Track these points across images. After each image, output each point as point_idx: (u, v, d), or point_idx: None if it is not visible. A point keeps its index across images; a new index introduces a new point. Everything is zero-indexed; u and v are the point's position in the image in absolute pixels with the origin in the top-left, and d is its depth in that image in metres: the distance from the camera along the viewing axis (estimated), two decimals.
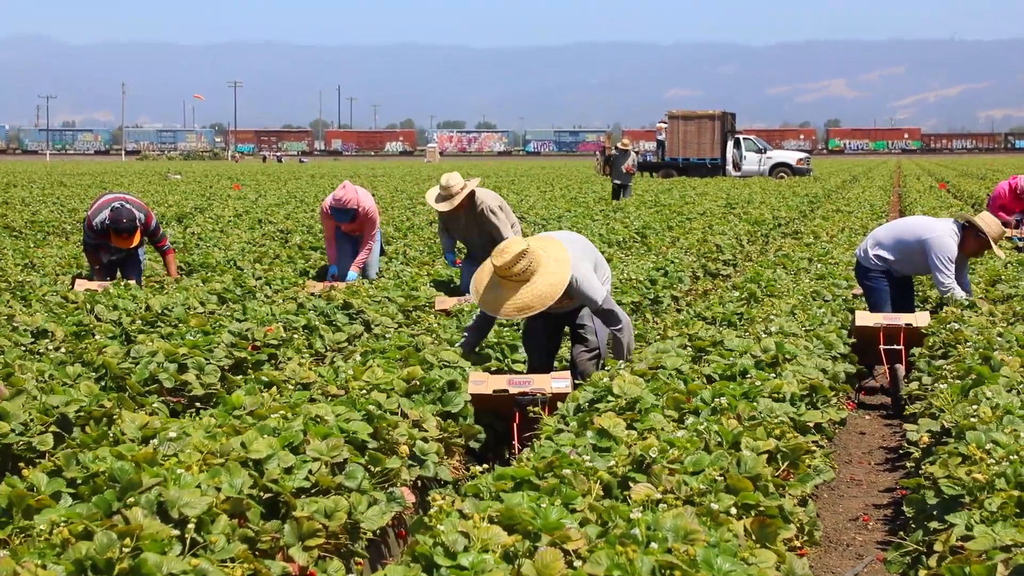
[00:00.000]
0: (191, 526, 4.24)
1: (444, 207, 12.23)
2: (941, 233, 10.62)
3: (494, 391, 7.46)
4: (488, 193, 12.59)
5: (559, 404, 6.99)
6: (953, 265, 10.60)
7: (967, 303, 10.21)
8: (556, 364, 8.88)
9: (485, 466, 5.48)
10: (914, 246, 10.72)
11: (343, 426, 5.74)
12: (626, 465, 5.11)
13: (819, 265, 14.47)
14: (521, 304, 7.85)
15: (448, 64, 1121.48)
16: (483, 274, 8.09)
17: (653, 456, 5.09)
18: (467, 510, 4.34)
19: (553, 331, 8.78)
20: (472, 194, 12.32)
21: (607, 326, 8.36)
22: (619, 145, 33.75)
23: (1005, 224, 18.93)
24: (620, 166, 32.81)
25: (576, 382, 7.66)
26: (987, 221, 10.61)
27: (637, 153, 53.88)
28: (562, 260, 8.01)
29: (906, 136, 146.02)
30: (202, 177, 56.76)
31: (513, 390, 7.47)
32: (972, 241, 10.60)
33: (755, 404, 6.44)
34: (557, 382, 7.53)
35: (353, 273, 13.65)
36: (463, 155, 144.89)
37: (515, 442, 7.22)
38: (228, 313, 10.40)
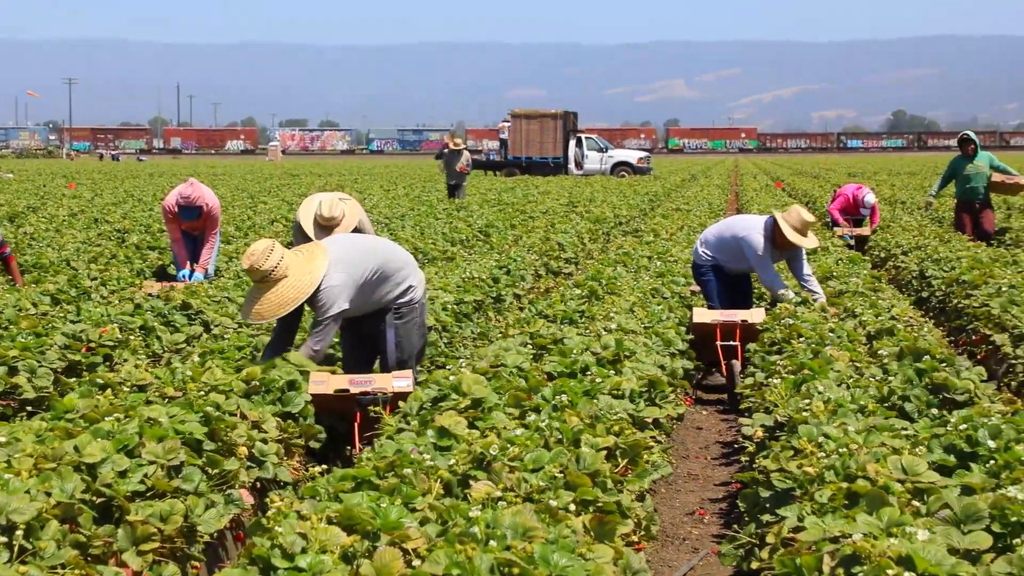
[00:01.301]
0: (19, 532, 4.14)
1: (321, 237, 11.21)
2: (752, 230, 11.03)
3: (335, 391, 7.40)
4: (362, 212, 11.70)
5: (400, 403, 6.97)
6: (769, 258, 10.94)
7: (796, 300, 10.49)
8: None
9: (325, 467, 5.43)
10: (732, 243, 11.08)
11: (179, 428, 5.66)
12: (467, 463, 5.12)
13: (659, 263, 14.67)
14: (263, 309, 7.69)
15: (290, 63, 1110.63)
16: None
17: (494, 454, 5.11)
18: (306, 511, 4.31)
19: (366, 339, 8.52)
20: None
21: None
22: (452, 144, 32.73)
23: (836, 223, 19.45)
24: (453, 165, 32.11)
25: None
26: (788, 212, 10.96)
27: (480, 152, 53.85)
28: (316, 266, 7.86)
29: (743, 136, 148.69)
30: (36, 175, 55.32)
31: (354, 390, 7.41)
32: (780, 235, 10.88)
33: (595, 401, 6.51)
34: (399, 381, 7.49)
35: (199, 274, 13.42)
36: (306, 153, 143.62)
37: (357, 442, 7.18)
38: (61, 314, 10.16)
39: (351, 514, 4.21)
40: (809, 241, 11.02)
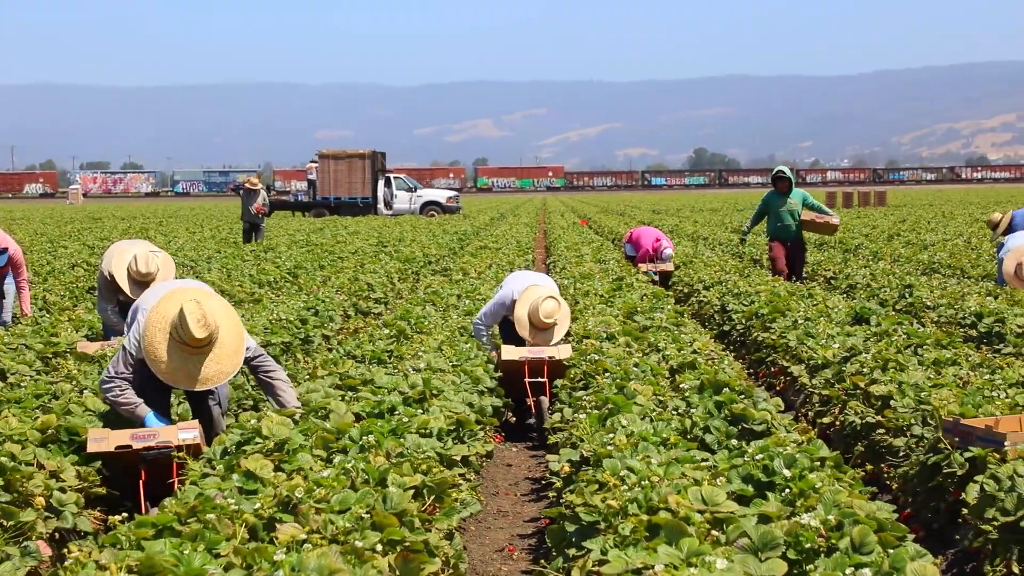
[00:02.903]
0: None
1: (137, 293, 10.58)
2: (506, 288, 10.93)
3: (116, 448, 6.97)
4: (172, 263, 11.54)
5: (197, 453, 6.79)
6: (491, 313, 10.93)
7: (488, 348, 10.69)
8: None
9: (126, 515, 5.31)
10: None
11: None
12: (273, 506, 5.07)
13: (467, 301, 14.73)
14: (213, 373, 7.44)
15: (90, 104, 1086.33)
16: (157, 347, 7.40)
17: (300, 496, 5.08)
18: (105, 560, 4.21)
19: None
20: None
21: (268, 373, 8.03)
22: (247, 184, 31.13)
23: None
24: (249, 206, 30.56)
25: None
26: (534, 300, 10.52)
27: (288, 193, 52.98)
28: (231, 313, 7.78)
29: (551, 174, 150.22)
30: None
31: (137, 445, 7.00)
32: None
33: (403, 440, 6.52)
34: (184, 433, 7.13)
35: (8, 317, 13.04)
36: (108, 196, 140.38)
37: (143, 500, 6.86)
38: None
39: (152, 562, 4.13)
40: (536, 336, 10.53)
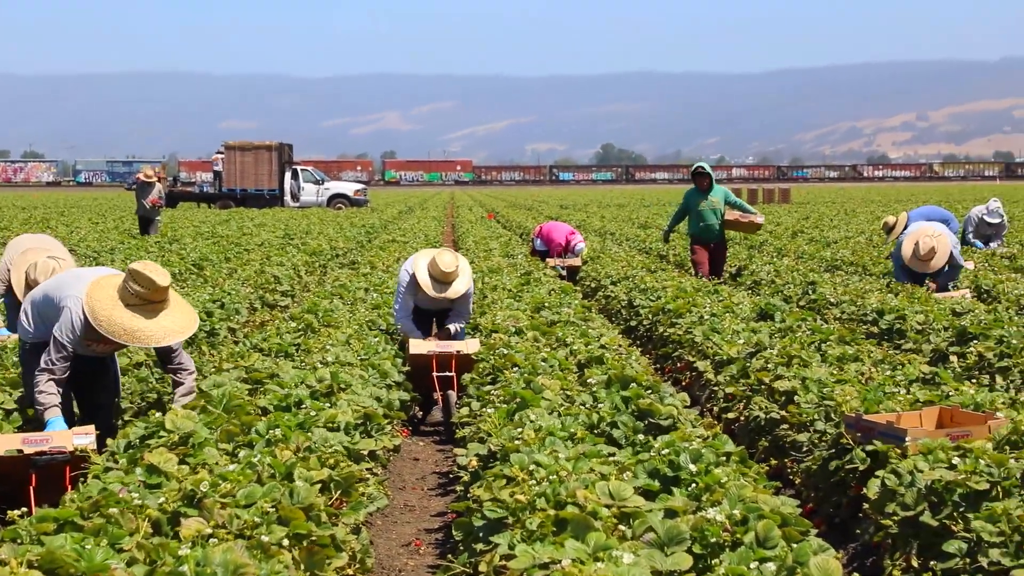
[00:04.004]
0: None
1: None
2: (399, 277, 11.05)
3: (6, 452, 6.67)
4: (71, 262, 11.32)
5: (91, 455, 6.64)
6: (402, 297, 10.88)
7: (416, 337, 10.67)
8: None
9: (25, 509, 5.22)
10: None
11: None
12: (177, 501, 5.02)
13: (375, 295, 14.68)
14: (181, 324, 7.56)
15: None
16: (110, 310, 7.33)
17: (205, 490, 5.03)
18: (4, 556, 4.15)
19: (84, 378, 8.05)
20: None
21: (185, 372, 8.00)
22: (142, 176, 29.65)
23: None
24: (144, 199, 29.32)
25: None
26: (435, 255, 10.71)
27: (194, 184, 52.33)
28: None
29: (459, 168, 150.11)
30: None
31: (29, 450, 6.67)
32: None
33: (310, 434, 6.48)
34: (80, 438, 6.83)
35: None
36: (8, 185, 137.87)
37: (34, 509, 6.30)
38: None
39: (54, 557, 4.07)
40: (441, 289, 10.67)
